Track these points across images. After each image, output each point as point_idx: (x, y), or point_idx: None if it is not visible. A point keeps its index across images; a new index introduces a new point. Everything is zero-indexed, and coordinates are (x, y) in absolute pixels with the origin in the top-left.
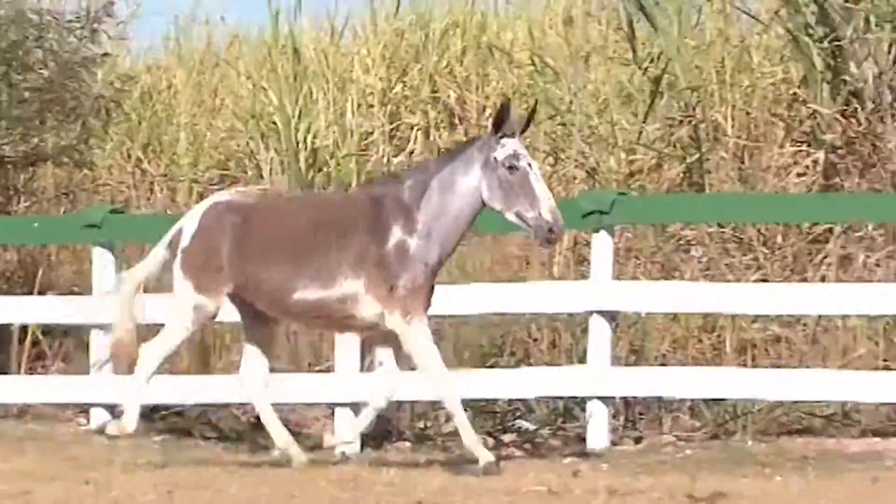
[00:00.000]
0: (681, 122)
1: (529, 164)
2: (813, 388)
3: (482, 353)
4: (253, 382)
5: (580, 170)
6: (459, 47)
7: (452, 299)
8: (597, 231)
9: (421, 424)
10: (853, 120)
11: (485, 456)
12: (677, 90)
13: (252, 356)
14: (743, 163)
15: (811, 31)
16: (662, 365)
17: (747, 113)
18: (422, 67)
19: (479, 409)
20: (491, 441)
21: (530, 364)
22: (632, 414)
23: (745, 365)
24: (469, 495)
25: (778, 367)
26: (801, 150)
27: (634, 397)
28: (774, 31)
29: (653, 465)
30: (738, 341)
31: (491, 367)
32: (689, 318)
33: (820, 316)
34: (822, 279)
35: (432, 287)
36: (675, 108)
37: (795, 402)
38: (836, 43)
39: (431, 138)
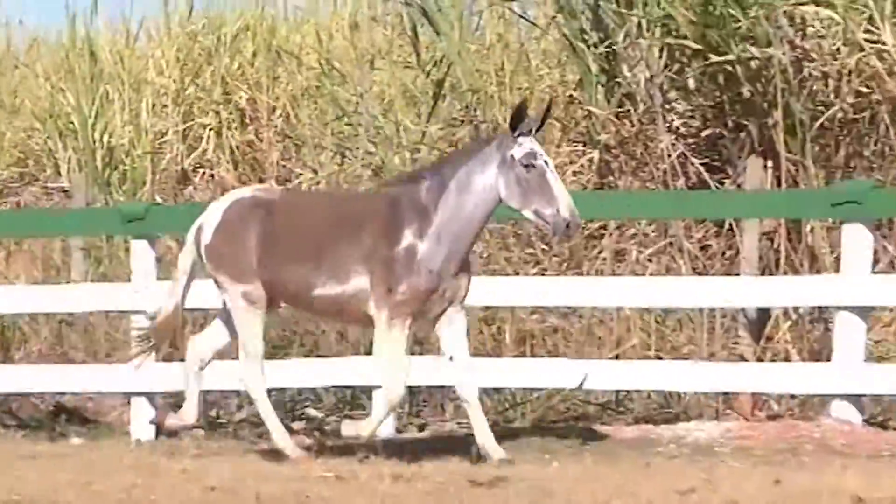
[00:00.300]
0: (462, 122)
1: (546, 162)
2: (589, 377)
3: (273, 346)
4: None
5: (366, 168)
6: (250, 50)
7: None
8: (137, 237)
9: (214, 413)
10: (626, 121)
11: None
12: (459, 92)
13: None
14: None
15: (586, 37)
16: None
17: None
18: (214, 69)
19: (271, 399)
20: None
21: (319, 355)
22: (416, 402)
23: (523, 355)
24: (260, 481)
25: (555, 356)
26: (576, 150)
27: (418, 386)
28: (551, 36)
29: (436, 452)
30: (517, 332)
31: (281, 358)
32: (469, 311)
33: (595, 308)
34: (598, 273)
35: (435, 290)
36: (457, 109)
37: (572, 390)
38: (610, 48)
39: (224, 137)
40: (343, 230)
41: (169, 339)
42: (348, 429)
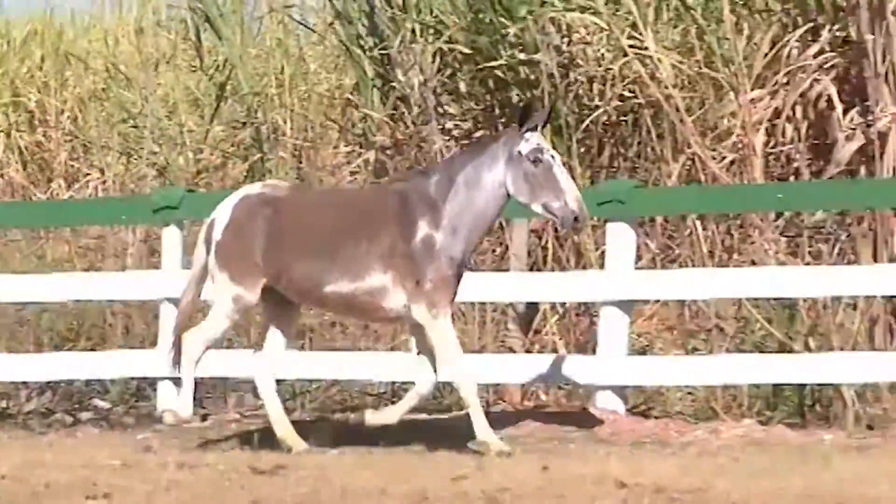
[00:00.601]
0: (244, 124)
1: (552, 157)
2: (366, 369)
3: (61, 338)
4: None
5: (151, 168)
6: (39, 54)
7: (36, 287)
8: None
9: (3, 404)
10: (401, 123)
11: (497, 446)
12: (240, 95)
13: (272, 339)
14: (301, 162)
15: (362, 42)
16: (228, 348)
17: (305, 116)
18: (4, 72)
19: (59, 390)
20: (69, 419)
21: (106, 348)
22: (199, 393)
23: (303, 348)
24: (49, 470)
25: (333, 349)
26: (353, 151)
27: (202, 378)
28: (329, 41)
29: (219, 441)
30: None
31: (69, 350)
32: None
33: None
34: None
35: (460, 278)
36: (239, 111)
37: (349, 381)
38: (385, 53)
39: (13, 139)
40: (354, 226)
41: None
42: (372, 418)
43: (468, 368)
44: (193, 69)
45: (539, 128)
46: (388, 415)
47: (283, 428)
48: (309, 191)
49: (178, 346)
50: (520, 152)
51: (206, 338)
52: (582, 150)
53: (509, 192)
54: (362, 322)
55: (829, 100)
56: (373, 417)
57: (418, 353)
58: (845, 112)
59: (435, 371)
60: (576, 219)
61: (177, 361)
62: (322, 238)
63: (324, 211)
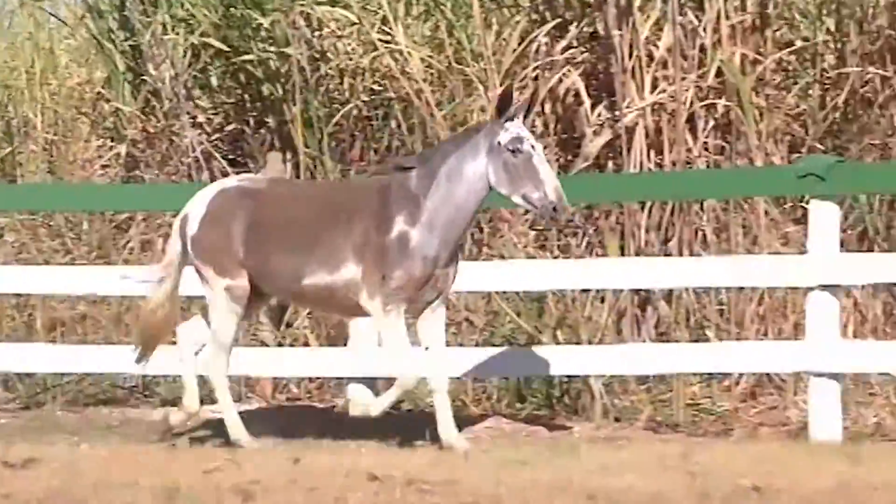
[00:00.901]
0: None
1: (533, 147)
2: (116, 361)
3: None
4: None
5: None
6: None
7: None
8: None
9: None
10: (152, 117)
11: (461, 443)
12: None
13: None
14: (52, 156)
15: (114, 36)
16: None
17: (55, 110)
18: None
19: None
20: None
21: None
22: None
23: (54, 341)
24: None
25: (85, 342)
26: (105, 145)
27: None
28: (80, 34)
29: None
30: (48, 319)
31: None
32: (2, 298)
33: (123, 296)
34: (125, 262)
35: (429, 279)
36: None
37: (101, 374)
38: (137, 46)
39: None
40: (333, 219)
41: (168, 329)
42: (356, 409)
43: (409, 373)
44: None
45: (520, 117)
46: (373, 407)
47: (237, 429)
48: (289, 184)
49: (150, 342)
50: (499, 142)
51: (222, 341)
52: (333, 143)
53: (491, 183)
54: (342, 317)
55: (577, 94)
56: (356, 409)
57: (426, 348)
58: (593, 107)
59: (418, 365)
60: (555, 209)
61: (142, 358)
62: (301, 231)
63: (304, 204)
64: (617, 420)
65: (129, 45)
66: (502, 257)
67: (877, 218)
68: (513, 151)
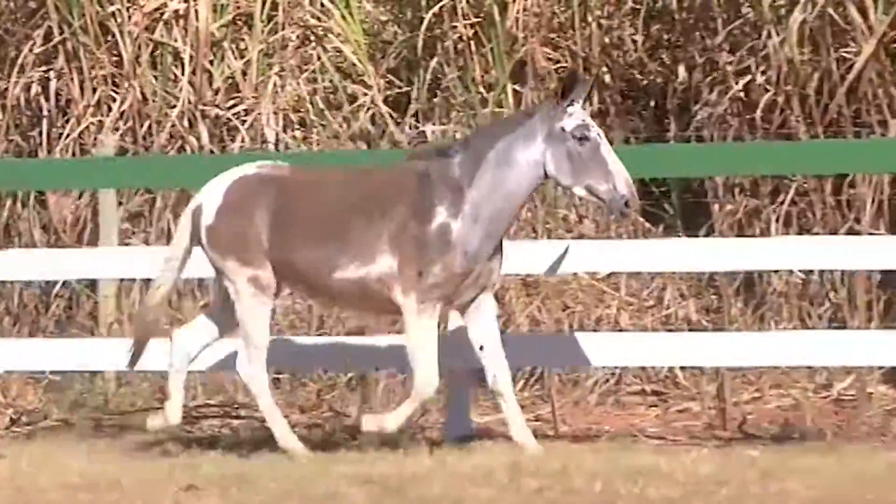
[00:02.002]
0: None
1: (599, 135)
2: None
3: None
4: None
5: None
6: None
7: None
8: None
9: None
10: None
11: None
12: None
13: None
14: None
15: None
16: None
17: None
18: None
19: None
20: None
21: None
22: None
23: None
24: None
25: None
26: None
27: None
28: None
29: None
30: None
31: None
32: None
33: None
34: None
35: (469, 274)
36: None
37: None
38: None
39: None
40: (367, 208)
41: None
42: (370, 423)
43: (431, 381)
44: None
45: (581, 102)
46: (391, 419)
47: (287, 437)
48: (314, 171)
49: (141, 342)
50: (563, 128)
51: (257, 342)
52: None
53: (547, 173)
54: (374, 315)
55: None
56: (369, 423)
57: (481, 348)
58: None
59: (438, 377)
60: (626, 203)
61: (135, 361)
62: (332, 221)
63: (334, 193)
64: None
65: None
66: None
67: None
68: (579, 139)
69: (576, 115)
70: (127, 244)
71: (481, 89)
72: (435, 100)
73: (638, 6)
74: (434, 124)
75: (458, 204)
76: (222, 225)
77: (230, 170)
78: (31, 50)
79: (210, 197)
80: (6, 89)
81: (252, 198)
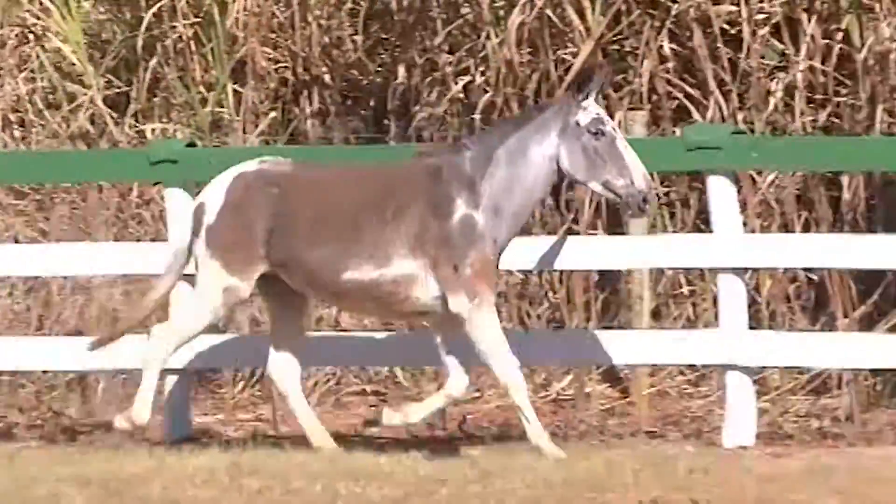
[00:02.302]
0: None
1: (614, 129)
2: None
3: None
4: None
5: None
6: None
7: None
8: None
9: None
10: None
11: (551, 451)
12: None
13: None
14: None
15: None
16: None
17: None
18: None
19: None
20: None
21: None
22: None
23: None
24: None
25: None
26: None
27: None
28: None
29: None
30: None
31: None
32: None
33: None
34: None
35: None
36: None
37: None
38: None
39: None
40: (381, 207)
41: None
42: (391, 416)
43: (516, 369)
44: None
45: (594, 96)
46: (411, 413)
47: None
48: (320, 168)
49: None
50: (577, 123)
51: (184, 334)
52: None
53: (562, 168)
54: (383, 318)
55: None
56: (390, 416)
57: (447, 353)
58: None
59: (467, 372)
60: (644, 199)
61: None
62: (341, 220)
63: (342, 190)
64: None
65: None
66: None
67: None
68: (594, 134)
69: (590, 109)
70: None
71: (201, 89)
72: (155, 99)
73: (358, 6)
74: (154, 124)
75: (475, 197)
76: (221, 226)
77: (235, 166)
78: None
79: (212, 196)
80: None
81: (253, 197)
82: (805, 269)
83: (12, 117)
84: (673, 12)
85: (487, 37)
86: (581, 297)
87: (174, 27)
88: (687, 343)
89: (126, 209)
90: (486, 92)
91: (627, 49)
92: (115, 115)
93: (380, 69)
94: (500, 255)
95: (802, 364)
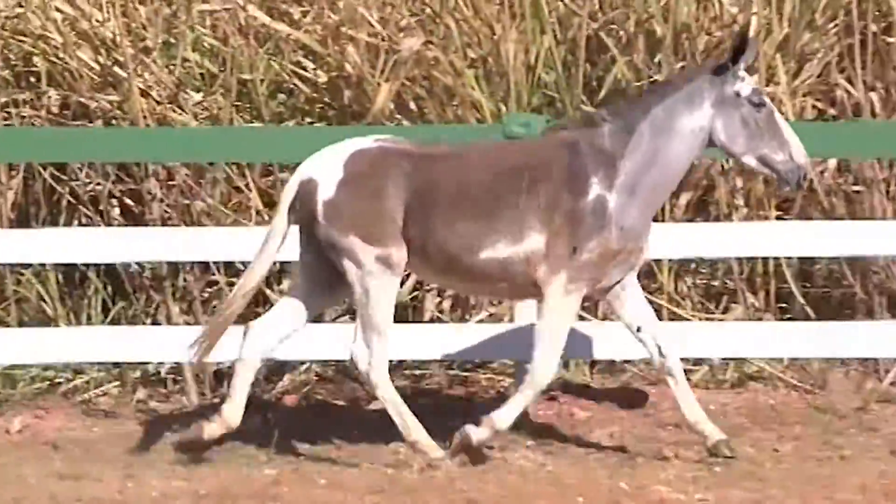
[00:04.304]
0: None
1: (770, 101)
2: None
3: None
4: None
5: None
6: None
7: None
8: None
9: None
10: None
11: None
12: None
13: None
14: None
15: None
16: None
17: None
18: None
19: None
20: None
21: None
22: None
23: None
24: None
25: None
26: None
27: None
28: None
29: None
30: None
31: None
32: None
33: None
34: None
35: (629, 254)
36: None
37: None
38: None
39: None
40: (514, 182)
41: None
42: (480, 433)
43: (552, 369)
44: None
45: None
46: (503, 418)
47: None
48: (443, 145)
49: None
50: (738, 93)
51: (378, 328)
52: None
53: (715, 141)
54: (498, 298)
55: None
56: (478, 433)
57: (638, 330)
58: None
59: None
60: (804, 175)
61: (206, 353)
62: (476, 197)
63: (473, 166)
64: None
65: None
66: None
67: None
68: (756, 105)
69: (748, 79)
70: None
71: None
72: None
73: None
74: None
75: (612, 176)
76: (346, 200)
77: (341, 142)
78: None
79: (325, 171)
80: None
81: (385, 172)
82: None
83: None
84: None
85: None
86: None
87: None
88: None
89: None
90: None
91: None
92: None
93: None
94: (630, 237)
95: None
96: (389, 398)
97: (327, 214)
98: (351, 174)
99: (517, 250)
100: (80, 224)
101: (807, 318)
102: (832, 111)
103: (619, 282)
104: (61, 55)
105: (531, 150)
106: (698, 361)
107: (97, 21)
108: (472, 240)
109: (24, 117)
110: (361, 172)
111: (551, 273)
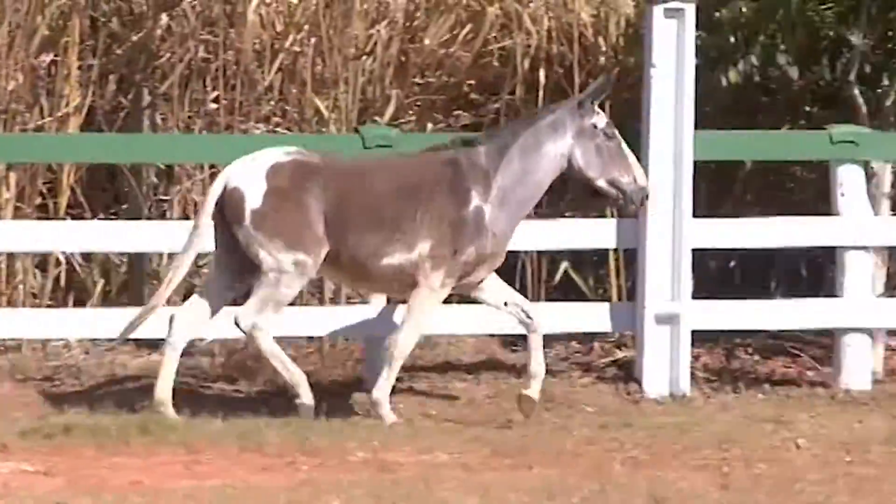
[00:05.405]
0: None
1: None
2: None
3: None
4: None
5: None
6: None
7: None
8: None
9: None
10: None
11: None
12: None
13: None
14: None
15: None
16: None
17: None
18: None
19: None
20: None
21: None
22: None
23: None
24: None
25: None
26: None
27: None
28: None
29: None
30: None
31: None
32: None
33: None
34: None
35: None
36: None
37: None
38: None
39: None
40: (411, 195)
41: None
42: (534, 391)
43: (409, 347)
44: None
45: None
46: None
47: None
48: (347, 160)
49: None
50: (595, 125)
51: (277, 304)
52: None
53: (574, 165)
54: (389, 295)
55: None
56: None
57: (505, 304)
58: None
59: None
60: (646, 196)
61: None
62: (381, 208)
63: (375, 180)
64: None
65: None
66: None
67: None
68: (608, 136)
69: (601, 114)
70: None
71: None
72: None
73: None
74: None
75: (488, 190)
76: (271, 208)
77: (254, 154)
78: None
79: (246, 180)
80: None
81: (303, 184)
82: None
83: None
84: None
85: None
86: None
87: None
88: None
89: None
90: None
91: None
92: None
93: None
94: (499, 244)
95: None
96: (272, 352)
97: (255, 222)
98: (273, 186)
99: (410, 256)
100: None
101: None
102: None
103: (479, 283)
104: None
105: (422, 166)
106: None
107: None
108: (376, 248)
109: None
110: (282, 185)
111: (432, 270)
